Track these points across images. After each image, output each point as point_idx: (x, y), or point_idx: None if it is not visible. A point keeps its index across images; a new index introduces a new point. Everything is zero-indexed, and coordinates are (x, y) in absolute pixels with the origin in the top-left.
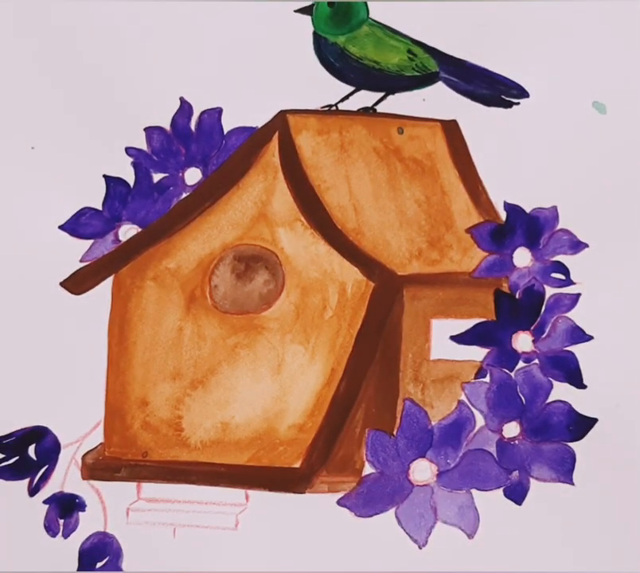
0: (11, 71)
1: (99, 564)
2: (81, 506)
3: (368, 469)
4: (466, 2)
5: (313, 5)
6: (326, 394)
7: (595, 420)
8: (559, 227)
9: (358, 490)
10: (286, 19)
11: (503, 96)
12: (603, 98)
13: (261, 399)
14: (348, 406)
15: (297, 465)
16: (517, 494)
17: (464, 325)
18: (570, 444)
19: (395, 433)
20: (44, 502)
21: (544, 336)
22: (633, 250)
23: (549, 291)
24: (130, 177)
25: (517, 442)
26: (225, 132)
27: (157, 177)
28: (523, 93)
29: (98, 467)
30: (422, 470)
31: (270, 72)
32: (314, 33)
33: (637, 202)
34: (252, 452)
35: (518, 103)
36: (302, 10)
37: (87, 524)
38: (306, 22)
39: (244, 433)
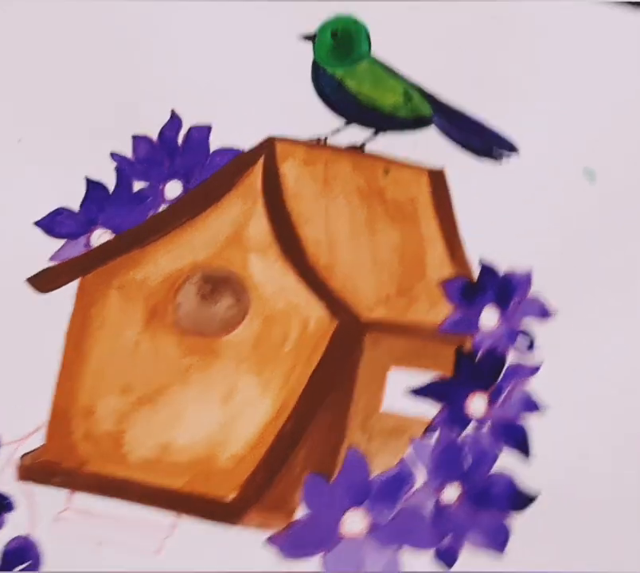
0: (5, 66)
1: (18, 567)
2: (10, 506)
3: (302, 511)
4: (470, 51)
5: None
6: (272, 429)
7: (535, 497)
8: (531, 291)
9: (288, 532)
10: (289, 44)
11: (495, 146)
12: (595, 165)
13: (206, 424)
14: (291, 444)
15: (231, 496)
16: (448, 557)
17: (421, 378)
18: (509, 515)
19: (333, 480)
20: None
21: (499, 401)
22: (597, 323)
23: (512, 355)
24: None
25: (454, 506)
26: (211, 150)
27: (138, 186)
28: (512, 148)
29: (34, 469)
30: (355, 521)
31: (264, 95)
32: (314, 62)
33: (610, 276)
34: (189, 477)
35: (508, 156)
36: (309, 37)
37: (14, 526)
38: (307, 49)
39: (184, 457)
